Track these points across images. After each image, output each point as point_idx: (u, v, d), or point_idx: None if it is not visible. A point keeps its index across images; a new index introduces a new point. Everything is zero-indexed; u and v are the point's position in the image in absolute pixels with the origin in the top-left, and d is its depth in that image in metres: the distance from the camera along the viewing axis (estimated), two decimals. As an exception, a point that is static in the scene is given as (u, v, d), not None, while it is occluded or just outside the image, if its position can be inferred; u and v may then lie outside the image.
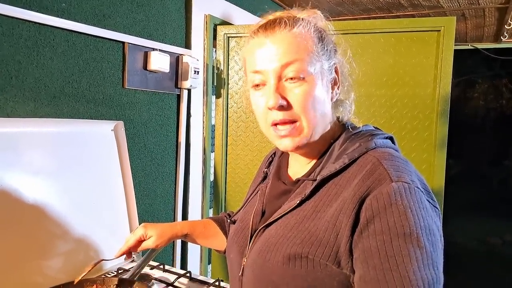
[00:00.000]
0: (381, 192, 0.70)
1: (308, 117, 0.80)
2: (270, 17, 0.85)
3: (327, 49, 0.83)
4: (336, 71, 0.86)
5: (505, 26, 2.81)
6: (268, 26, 0.82)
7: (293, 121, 0.80)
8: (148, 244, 1.08)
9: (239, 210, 1.03)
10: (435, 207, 0.74)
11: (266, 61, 0.80)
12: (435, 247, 0.67)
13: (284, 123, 0.80)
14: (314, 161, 0.87)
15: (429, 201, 0.72)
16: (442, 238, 0.72)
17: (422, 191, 0.72)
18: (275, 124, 0.81)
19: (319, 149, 0.86)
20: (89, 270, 1.05)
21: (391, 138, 0.87)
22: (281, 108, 0.79)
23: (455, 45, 1.84)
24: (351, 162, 0.78)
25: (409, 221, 0.67)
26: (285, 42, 0.79)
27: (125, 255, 1.08)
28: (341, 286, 0.72)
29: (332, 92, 0.85)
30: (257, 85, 0.83)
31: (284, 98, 0.79)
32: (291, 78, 0.79)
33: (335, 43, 0.88)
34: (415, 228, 0.67)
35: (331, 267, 0.72)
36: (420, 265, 0.64)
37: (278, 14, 0.85)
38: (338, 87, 0.87)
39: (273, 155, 1.05)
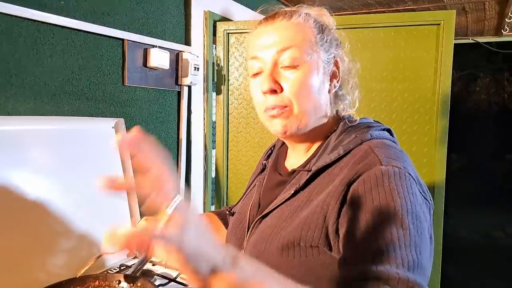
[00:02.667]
0: (369, 175, 0.71)
1: (299, 102, 0.81)
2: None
3: (326, 40, 0.84)
4: (336, 65, 0.87)
5: (506, 19, 2.80)
6: (269, 18, 0.85)
7: (284, 106, 0.82)
8: None
9: (238, 202, 1.04)
10: (426, 199, 0.73)
11: (264, 47, 0.83)
12: (419, 233, 0.65)
13: (275, 107, 0.82)
14: (311, 153, 0.88)
15: (420, 192, 0.72)
16: (431, 230, 0.71)
17: (413, 179, 0.71)
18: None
19: (316, 142, 0.87)
20: (92, 264, 1.06)
21: (388, 130, 0.87)
22: (273, 92, 0.81)
23: (455, 39, 1.84)
24: (346, 153, 0.79)
25: (395, 203, 0.66)
26: (282, 29, 0.82)
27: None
28: (334, 275, 0.72)
29: (330, 85, 0.86)
30: (256, 74, 0.85)
31: (277, 82, 0.81)
32: (287, 65, 0.81)
33: (340, 40, 0.90)
34: (400, 210, 0.66)
35: (324, 254, 0.72)
36: (402, 244, 0.63)
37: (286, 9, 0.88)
38: (338, 80, 0.88)
39: (272, 148, 1.07)
